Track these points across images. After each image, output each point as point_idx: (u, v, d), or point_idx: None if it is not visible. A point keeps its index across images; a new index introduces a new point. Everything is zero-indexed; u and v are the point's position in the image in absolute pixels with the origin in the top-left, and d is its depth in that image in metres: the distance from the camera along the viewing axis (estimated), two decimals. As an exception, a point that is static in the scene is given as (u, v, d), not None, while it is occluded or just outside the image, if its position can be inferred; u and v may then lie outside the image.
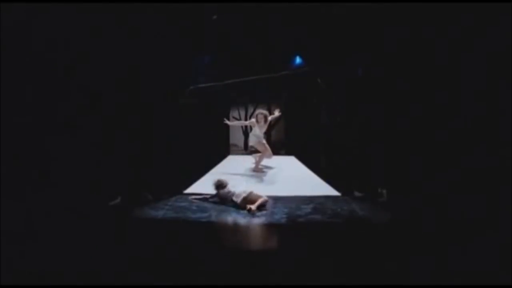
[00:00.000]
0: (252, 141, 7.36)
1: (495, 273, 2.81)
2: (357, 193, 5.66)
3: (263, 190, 5.51)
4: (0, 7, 3.67)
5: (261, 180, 6.79)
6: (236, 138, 11.06)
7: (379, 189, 5.42)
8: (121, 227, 4.27)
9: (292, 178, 6.94)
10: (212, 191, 5.34)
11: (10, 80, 3.82)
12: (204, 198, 5.39)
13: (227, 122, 7.65)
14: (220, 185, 5.27)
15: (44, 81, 4.15)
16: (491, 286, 2.69)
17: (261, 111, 7.41)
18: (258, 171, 7.22)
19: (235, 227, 4.53)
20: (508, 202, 3.62)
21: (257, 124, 7.15)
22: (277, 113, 7.67)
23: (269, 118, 7.32)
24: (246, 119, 10.80)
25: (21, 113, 3.95)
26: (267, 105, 10.90)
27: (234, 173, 6.96)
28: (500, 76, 3.87)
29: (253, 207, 4.81)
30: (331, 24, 5.70)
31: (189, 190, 5.98)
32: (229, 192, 5.18)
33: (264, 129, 7.25)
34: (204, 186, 5.90)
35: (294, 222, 4.46)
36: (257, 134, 7.16)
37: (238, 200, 5.01)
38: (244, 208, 4.88)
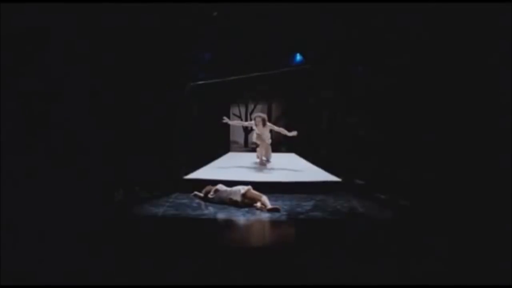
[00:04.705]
0: (253, 138, 7.51)
1: (495, 273, 2.82)
2: (358, 181, 5.67)
3: (264, 177, 5.51)
4: (0, 7, 3.65)
5: (262, 170, 6.87)
6: (237, 135, 11.05)
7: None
8: (121, 225, 4.28)
9: (293, 168, 7.04)
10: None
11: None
12: (202, 198, 5.32)
13: (227, 121, 7.59)
14: (208, 192, 5.24)
15: (40, 78, 4.14)
16: (491, 286, 2.70)
17: (259, 114, 7.43)
18: (261, 164, 7.27)
19: (236, 224, 4.54)
20: (508, 202, 3.63)
21: (256, 127, 7.21)
22: (293, 133, 7.04)
23: (275, 127, 7.28)
24: (246, 117, 10.81)
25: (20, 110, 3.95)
26: (268, 102, 10.91)
27: (235, 166, 7.01)
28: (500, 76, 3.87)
29: (259, 205, 4.82)
30: (332, 22, 5.69)
31: (190, 176, 6.12)
32: (225, 191, 5.14)
33: (265, 131, 7.23)
34: (203, 175, 5.94)
35: (295, 219, 4.47)
36: (258, 133, 7.23)
37: (236, 198, 4.99)
38: (243, 205, 4.88)
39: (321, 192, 5.58)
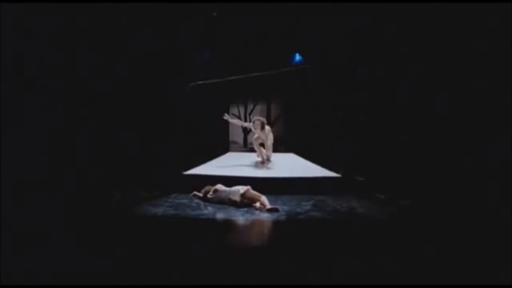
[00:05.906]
0: (253, 138, 7.53)
1: (495, 273, 2.82)
2: (358, 178, 5.67)
3: (264, 173, 5.48)
4: (0, 7, 3.65)
5: (262, 167, 6.93)
6: (236, 135, 11.02)
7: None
8: (121, 225, 4.27)
9: (293, 166, 7.10)
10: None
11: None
12: (201, 198, 5.32)
13: (228, 118, 7.59)
14: (207, 192, 5.24)
15: (45, 79, 4.14)
16: (491, 286, 2.69)
17: (258, 118, 7.43)
18: (261, 162, 7.30)
19: (235, 224, 4.53)
20: (508, 201, 3.63)
21: (255, 130, 7.23)
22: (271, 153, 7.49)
23: (269, 136, 7.28)
24: (245, 117, 10.79)
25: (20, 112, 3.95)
26: (267, 103, 10.88)
27: (234, 165, 7.01)
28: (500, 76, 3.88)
29: (259, 205, 4.82)
30: (331, 23, 5.69)
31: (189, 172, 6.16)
32: (224, 191, 5.14)
33: (263, 134, 7.23)
34: (202, 170, 5.93)
35: (294, 219, 4.47)
36: (257, 134, 7.27)
37: (235, 198, 4.99)
38: (243, 205, 4.88)
39: (321, 192, 5.58)
